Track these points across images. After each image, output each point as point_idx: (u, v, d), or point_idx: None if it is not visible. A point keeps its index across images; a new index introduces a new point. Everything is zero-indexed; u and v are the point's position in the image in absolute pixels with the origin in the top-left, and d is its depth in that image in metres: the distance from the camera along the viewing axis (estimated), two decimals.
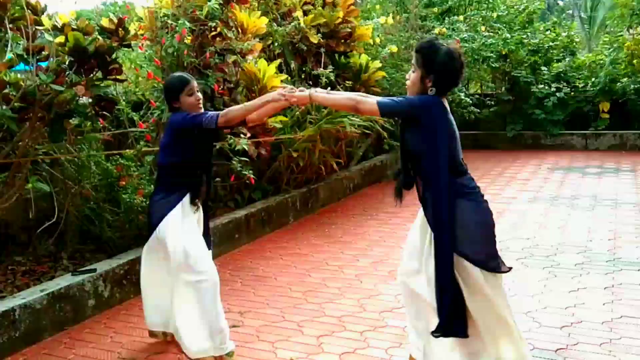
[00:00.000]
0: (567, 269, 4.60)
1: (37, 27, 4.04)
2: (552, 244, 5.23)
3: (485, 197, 2.75)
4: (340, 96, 2.58)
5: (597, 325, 3.58)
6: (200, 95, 3.30)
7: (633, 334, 3.45)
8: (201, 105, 3.31)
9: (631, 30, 11.40)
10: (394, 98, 2.58)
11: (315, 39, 6.88)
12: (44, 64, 3.98)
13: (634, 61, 10.81)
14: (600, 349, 3.29)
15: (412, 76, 2.56)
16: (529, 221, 6.05)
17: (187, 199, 3.28)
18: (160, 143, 3.45)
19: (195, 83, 3.29)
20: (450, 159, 2.55)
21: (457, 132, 2.63)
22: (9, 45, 3.91)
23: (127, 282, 4.32)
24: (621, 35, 11.61)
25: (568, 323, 3.63)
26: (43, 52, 3.97)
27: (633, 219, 5.91)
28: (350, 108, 2.57)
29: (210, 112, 3.18)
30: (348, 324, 3.75)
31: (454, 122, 2.61)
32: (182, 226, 3.24)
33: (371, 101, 2.53)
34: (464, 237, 2.58)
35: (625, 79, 10.74)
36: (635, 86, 10.49)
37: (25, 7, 3.91)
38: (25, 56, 3.87)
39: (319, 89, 2.79)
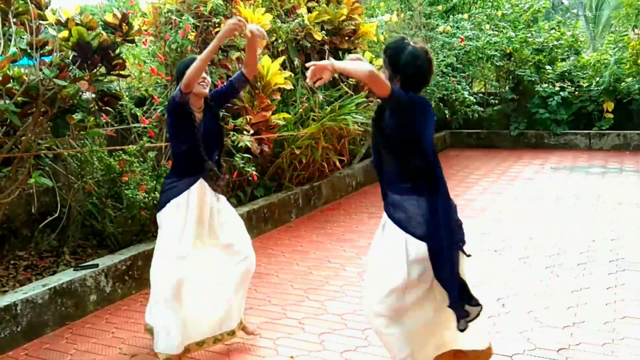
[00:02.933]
0: (569, 268, 4.58)
1: (41, 22, 4.04)
2: (555, 244, 5.21)
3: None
4: (360, 66, 2.48)
5: (600, 325, 3.57)
6: (208, 77, 3.28)
7: (635, 334, 3.44)
8: (207, 86, 3.27)
9: (636, 30, 11.35)
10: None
11: (319, 36, 6.86)
12: (47, 59, 3.97)
13: (639, 61, 10.77)
14: (603, 349, 3.28)
15: (382, 76, 2.53)
16: (531, 220, 6.03)
17: (195, 187, 3.25)
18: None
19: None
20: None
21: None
22: (13, 39, 3.90)
23: (129, 278, 4.32)
24: (626, 34, 11.56)
25: (570, 323, 3.62)
26: (46, 47, 3.96)
27: (636, 219, 5.89)
28: (366, 76, 2.41)
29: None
30: (350, 322, 3.75)
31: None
32: (178, 223, 3.22)
33: (387, 82, 2.46)
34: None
35: (629, 79, 10.70)
36: None
37: (29, 2, 3.90)
38: (29, 51, 3.87)
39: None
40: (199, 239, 3.32)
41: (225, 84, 3.49)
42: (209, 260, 3.38)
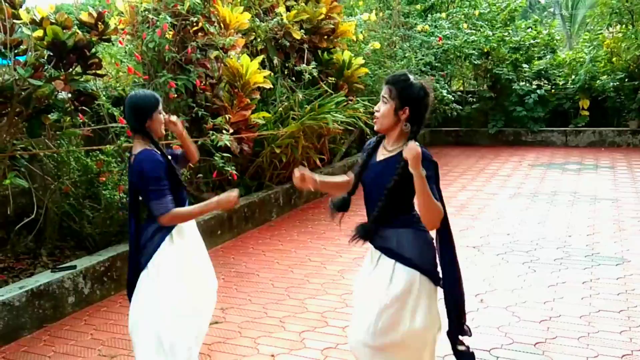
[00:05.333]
0: (546, 264, 4.65)
1: (15, 21, 3.98)
2: (532, 240, 5.29)
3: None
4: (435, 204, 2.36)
5: (576, 320, 3.63)
6: (165, 117, 2.92)
7: (610, 328, 3.51)
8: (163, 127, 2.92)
9: (610, 29, 11.56)
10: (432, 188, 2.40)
11: (298, 35, 6.87)
12: (22, 58, 3.93)
13: (613, 59, 10.98)
14: (579, 343, 3.34)
15: (383, 108, 2.43)
16: (509, 217, 6.11)
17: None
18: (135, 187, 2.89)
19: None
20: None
21: None
22: None
23: (108, 279, 4.28)
24: (601, 33, 11.77)
25: (547, 317, 3.68)
26: (21, 46, 3.91)
27: (611, 215, 6.00)
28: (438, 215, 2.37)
29: (166, 199, 2.74)
30: (330, 320, 3.76)
31: None
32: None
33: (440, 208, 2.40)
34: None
35: (604, 77, 10.89)
36: (614, 84, 10.64)
37: (2, 1, 3.85)
38: (3, 50, 3.82)
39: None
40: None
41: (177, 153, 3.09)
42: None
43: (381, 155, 2.52)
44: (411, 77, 2.47)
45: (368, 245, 2.63)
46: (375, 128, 2.48)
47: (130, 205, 2.91)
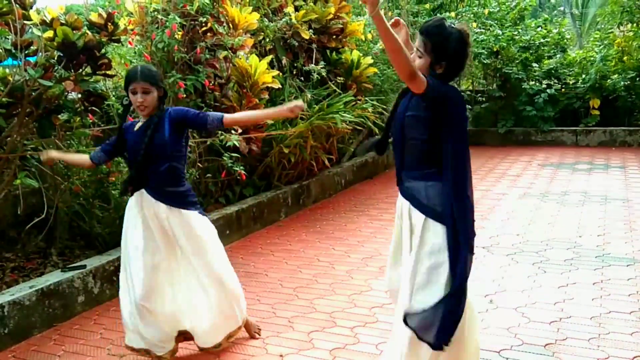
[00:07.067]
0: (556, 264, 4.62)
1: (26, 22, 4.01)
2: (542, 240, 5.25)
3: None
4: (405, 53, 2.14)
5: (586, 321, 3.61)
6: (140, 97, 3.06)
7: (621, 329, 3.48)
8: (143, 108, 3.09)
9: (621, 27, 11.47)
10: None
11: (306, 34, 6.86)
12: (32, 59, 3.95)
13: (624, 58, 10.88)
14: (589, 344, 3.31)
15: (418, 62, 2.27)
16: (519, 217, 6.07)
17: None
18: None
19: (142, 84, 3.04)
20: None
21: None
22: None
23: (117, 279, 4.29)
24: (612, 32, 11.67)
25: (557, 318, 3.65)
26: (31, 47, 3.94)
27: (622, 215, 5.95)
28: (404, 63, 2.13)
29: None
30: (339, 320, 3.76)
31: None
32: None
33: (422, 77, 2.22)
34: None
35: (615, 76, 10.80)
36: (625, 83, 10.55)
37: (13, 2, 3.87)
38: (14, 51, 3.84)
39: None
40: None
41: (199, 113, 3.16)
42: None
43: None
44: (448, 26, 2.26)
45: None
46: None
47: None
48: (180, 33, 5.35)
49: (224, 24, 5.63)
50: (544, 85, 11.24)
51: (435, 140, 2.38)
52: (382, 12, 2.11)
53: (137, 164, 3.07)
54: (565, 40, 12.29)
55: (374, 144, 2.67)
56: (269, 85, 5.98)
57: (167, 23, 5.14)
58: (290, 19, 6.72)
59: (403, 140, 2.45)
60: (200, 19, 5.40)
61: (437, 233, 2.40)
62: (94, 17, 4.32)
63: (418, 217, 2.44)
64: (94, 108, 4.40)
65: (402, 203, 2.55)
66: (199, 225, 3.20)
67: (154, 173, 3.10)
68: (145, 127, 3.09)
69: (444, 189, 2.40)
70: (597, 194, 6.90)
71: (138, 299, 3.08)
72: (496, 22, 11.94)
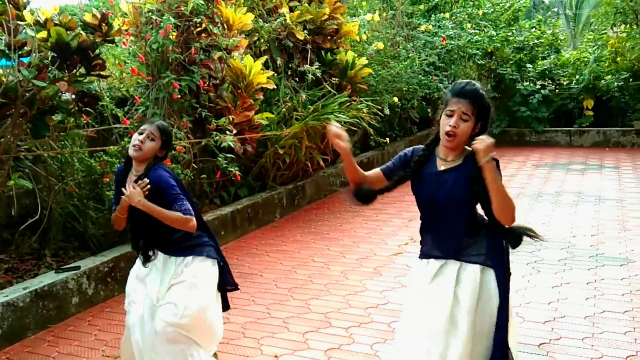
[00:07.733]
0: (550, 264, 4.64)
1: (19, 22, 3.99)
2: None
3: None
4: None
5: (580, 320, 3.62)
6: (142, 138, 2.78)
7: (615, 329, 3.49)
8: (137, 148, 2.77)
9: (615, 28, 11.53)
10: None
11: (301, 35, 6.87)
12: (26, 60, 3.93)
13: (618, 59, 10.93)
14: (583, 344, 3.32)
15: (464, 125, 2.30)
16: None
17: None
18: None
19: (153, 129, 2.80)
20: None
21: None
22: None
23: (111, 280, 4.29)
24: (605, 33, 11.74)
25: (551, 318, 3.67)
26: (25, 48, 3.92)
27: (616, 215, 5.98)
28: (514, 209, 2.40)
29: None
30: (333, 320, 3.76)
31: None
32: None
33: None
34: None
35: (609, 77, 10.85)
36: (619, 83, 10.61)
37: (6, 2, 3.85)
38: (7, 51, 3.82)
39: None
40: None
41: (176, 200, 2.78)
42: None
43: (442, 165, 2.39)
44: (480, 87, 2.36)
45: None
46: (449, 145, 2.33)
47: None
48: (174, 34, 5.34)
49: (219, 25, 5.63)
50: (538, 86, 11.30)
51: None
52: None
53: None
54: (559, 41, 12.35)
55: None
56: (264, 85, 5.98)
57: (162, 24, 5.13)
58: (285, 20, 6.72)
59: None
60: (195, 19, 5.40)
61: None
62: (88, 17, 4.31)
63: None
64: (87, 109, 4.38)
65: None
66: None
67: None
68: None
69: None
70: (590, 194, 6.93)
71: None
72: (490, 23, 11.99)
